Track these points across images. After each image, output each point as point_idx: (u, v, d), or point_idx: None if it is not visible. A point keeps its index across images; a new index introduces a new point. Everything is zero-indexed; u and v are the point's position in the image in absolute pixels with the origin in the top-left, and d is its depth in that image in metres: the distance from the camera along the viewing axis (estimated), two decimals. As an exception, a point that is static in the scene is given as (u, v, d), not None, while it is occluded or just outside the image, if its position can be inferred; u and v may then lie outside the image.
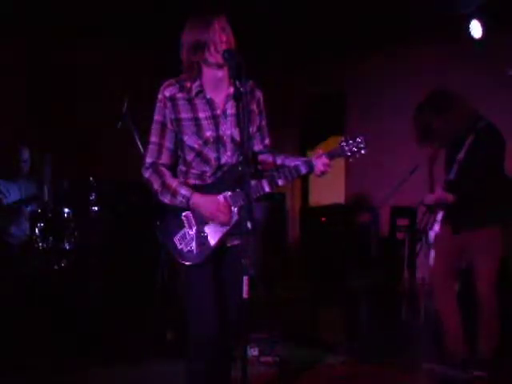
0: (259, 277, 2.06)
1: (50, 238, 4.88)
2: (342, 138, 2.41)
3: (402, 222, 6.24)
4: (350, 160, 2.42)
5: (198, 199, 2.33)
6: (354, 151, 2.40)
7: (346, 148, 2.40)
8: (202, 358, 2.37)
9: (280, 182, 2.36)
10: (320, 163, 2.37)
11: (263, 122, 2.56)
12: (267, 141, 2.57)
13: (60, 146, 5.67)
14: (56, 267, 4.85)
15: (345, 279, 6.25)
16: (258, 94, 2.52)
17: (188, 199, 2.32)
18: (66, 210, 5.01)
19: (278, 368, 3.80)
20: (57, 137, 5.80)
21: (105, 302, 4.83)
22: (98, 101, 6.09)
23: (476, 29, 5.21)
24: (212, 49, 2.31)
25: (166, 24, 4.30)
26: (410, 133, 3.79)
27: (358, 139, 2.41)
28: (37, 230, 4.83)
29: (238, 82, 2.27)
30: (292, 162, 2.43)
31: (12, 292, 4.52)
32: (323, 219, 7.16)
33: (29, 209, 5.01)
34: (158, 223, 2.44)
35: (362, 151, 2.40)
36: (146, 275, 4.99)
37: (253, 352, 3.82)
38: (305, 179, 7.85)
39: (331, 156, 2.39)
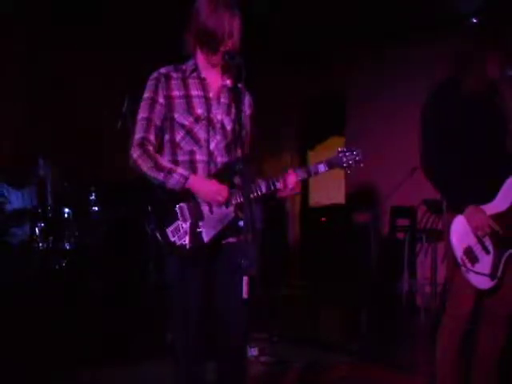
0: (259, 277, 2.03)
1: (51, 238, 4.89)
2: (339, 149, 2.42)
3: (402, 222, 6.25)
4: (348, 172, 2.44)
5: (197, 179, 2.29)
6: (350, 164, 2.41)
7: (344, 159, 2.41)
8: (187, 359, 2.35)
9: (278, 185, 2.33)
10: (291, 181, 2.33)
11: (251, 129, 2.51)
12: (247, 150, 2.47)
13: (60, 147, 5.67)
14: (56, 267, 4.86)
15: (345, 279, 6.26)
16: (249, 98, 2.49)
17: (186, 178, 2.27)
18: (66, 210, 5.02)
19: (278, 368, 3.80)
20: (57, 137, 5.80)
21: (105, 302, 4.84)
22: (98, 101, 6.09)
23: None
24: (220, 43, 2.28)
25: (166, 24, 4.30)
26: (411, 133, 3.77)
27: (355, 152, 2.42)
28: (37, 230, 4.84)
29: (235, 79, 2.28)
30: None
31: (12, 292, 4.53)
32: (323, 219, 7.17)
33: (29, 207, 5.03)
34: (149, 211, 2.37)
35: (360, 164, 2.41)
36: (146, 275, 5.00)
37: (253, 352, 3.82)
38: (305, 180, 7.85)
39: (330, 164, 2.39)
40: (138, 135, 2.36)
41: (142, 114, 2.38)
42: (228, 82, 2.41)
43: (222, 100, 2.39)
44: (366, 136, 6.80)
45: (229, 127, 2.37)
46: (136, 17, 5.81)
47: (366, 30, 6.18)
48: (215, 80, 2.39)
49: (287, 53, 6.91)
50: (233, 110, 2.38)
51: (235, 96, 2.34)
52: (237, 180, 2.32)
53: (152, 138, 2.36)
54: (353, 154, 2.42)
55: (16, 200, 5.05)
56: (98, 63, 6.25)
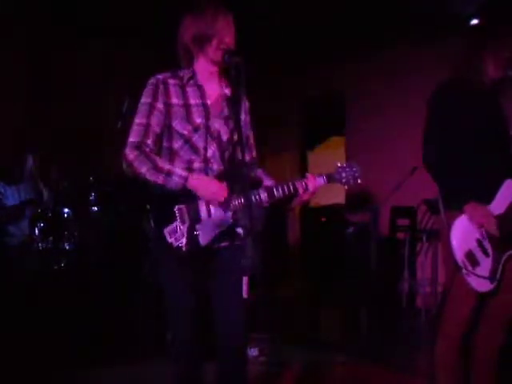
0: (259, 277, 2.04)
1: (50, 238, 4.88)
2: (338, 164, 2.44)
3: (402, 221, 6.25)
4: (345, 187, 2.46)
5: (196, 178, 2.28)
6: (349, 179, 2.42)
7: (343, 174, 2.42)
8: (184, 359, 2.38)
9: (276, 193, 2.31)
10: (312, 184, 2.35)
11: (251, 134, 2.53)
12: (254, 153, 2.55)
13: (60, 146, 5.67)
14: (56, 267, 4.85)
15: (345, 279, 6.26)
16: (246, 103, 2.49)
17: (186, 179, 2.25)
18: (66, 210, 5.01)
19: (278, 368, 3.80)
20: (57, 137, 5.80)
21: (105, 302, 4.83)
22: (97, 101, 6.09)
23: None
24: (214, 45, 2.30)
25: (166, 23, 4.29)
26: (411, 133, 3.77)
27: (354, 168, 2.43)
28: (37, 230, 4.84)
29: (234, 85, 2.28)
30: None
31: (12, 292, 4.52)
32: (323, 219, 7.16)
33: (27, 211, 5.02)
34: (149, 210, 2.35)
35: (358, 180, 2.42)
36: (146, 275, 4.99)
37: (253, 352, 3.82)
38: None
39: (330, 179, 2.41)
40: (134, 139, 2.31)
41: (139, 119, 2.33)
42: (227, 90, 2.41)
43: (223, 111, 2.38)
44: (365, 136, 6.81)
45: (225, 137, 2.37)
46: (136, 17, 5.80)
47: (366, 30, 6.17)
48: (213, 87, 2.39)
49: (287, 53, 6.91)
50: (231, 122, 2.37)
51: (234, 107, 2.33)
52: (237, 186, 2.31)
53: (150, 142, 2.32)
54: (352, 170, 2.43)
55: (12, 196, 5.04)
56: (97, 63, 6.25)
